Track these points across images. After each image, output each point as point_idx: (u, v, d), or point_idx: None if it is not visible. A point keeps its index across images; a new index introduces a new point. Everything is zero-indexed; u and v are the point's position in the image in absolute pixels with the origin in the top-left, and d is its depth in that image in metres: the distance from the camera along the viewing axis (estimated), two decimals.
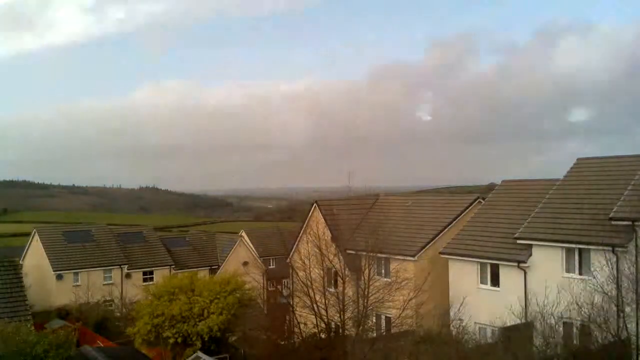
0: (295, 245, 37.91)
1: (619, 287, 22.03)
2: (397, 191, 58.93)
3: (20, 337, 22.72)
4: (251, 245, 64.03)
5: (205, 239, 65.03)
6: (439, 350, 21.78)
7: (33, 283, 46.34)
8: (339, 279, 28.39)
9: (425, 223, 34.50)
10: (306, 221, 37.42)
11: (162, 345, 31.95)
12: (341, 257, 28.60)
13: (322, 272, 27.98)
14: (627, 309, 21.99)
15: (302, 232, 36.93)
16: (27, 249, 55.97)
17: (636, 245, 22.55)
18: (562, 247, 25.91)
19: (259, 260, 62.01)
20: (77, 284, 50.85)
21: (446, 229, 32.98)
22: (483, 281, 29.12)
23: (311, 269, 27.69)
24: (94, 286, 48.78)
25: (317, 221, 34.80)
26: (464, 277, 29.66)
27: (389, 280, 29.59)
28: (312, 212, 37.57)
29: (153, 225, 76.69)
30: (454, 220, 33.51)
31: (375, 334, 29.52)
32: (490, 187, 48.67)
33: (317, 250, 28.00)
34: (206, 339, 31.37)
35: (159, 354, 32.35)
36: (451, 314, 27.46)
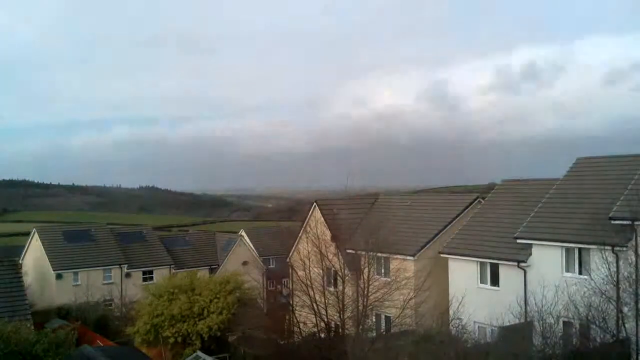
0: (295, 245, 37.90)
1: (618, 287, 22.05)
2: (397, 191, 58.95)
3: (20, 336, 22.73)
4: (251, 245, 63.99)
5: (204, 238, 65.00)
6: (438, 349, 21.77)
7: (33, 282, 46.46)
8: (338, 278, 28.40)
9: (425, 223, 34.51)
10: (306, 221, 37.40)
11: (162, 344, 31.97)
12: (341, 257, 28.61)
13: (321, 271, 28.00)
14: (626, 309, 22.00)
15: (301, 231, 36.92)
16: (27, 249, 55.93)
17: (635, 245, 22.55)
18: (561, 246, 25.93)
19: (258, 260, 61.98)
20: (77, 283, 50.81)
21: (446, 229, 33.00)
22: (483, 280, 29.14)
23: (311, 268, 27.71)
24: (93, 286, 48.74)
25: (317, 221, 34.78)
26: (463, 276, 29.68)
27: (389, 279, 29.59)
28: (312, 212, 37.57)
29: (153, 225, 76.92)
30: (454, 219, 33.53)
31: (375, 333, 29.51)
32: (490, 187, 48.59)
33: (317, 250, 28.00)
34: (206, 338, 31.40)
35: (159, 353, 32.36)
36: (450, 313, 27.45)
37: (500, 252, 28.47)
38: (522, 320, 24.59)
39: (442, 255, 31.08)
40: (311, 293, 27.06)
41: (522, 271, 26.98)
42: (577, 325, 23.55)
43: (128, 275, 54.21)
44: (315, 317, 27.38)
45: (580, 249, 25.33)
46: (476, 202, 34.74)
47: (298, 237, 37.44)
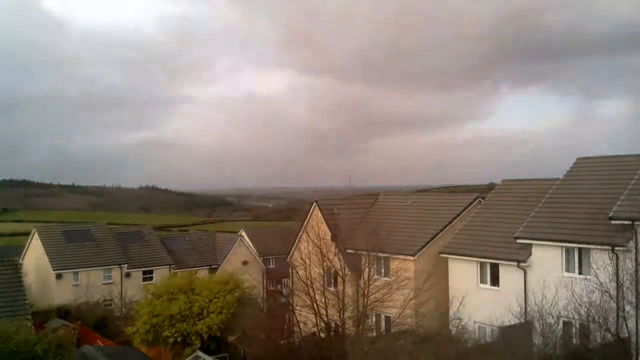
0: (295, 245, 37.92)
1: (618, 287, 22.04)
2: (397, 191, 58.99)
3: (20, 336, 22.66)
4: (251, 245, 63.98)
5: (204, 238, 65.03)
6: (438, 349, 21.79)
7: (33, 282, 46.47)
8: (339, 278, 28.39)
9: (425, 222, 34.50)
10: (306, 221, 37.42)
11: (162, 344, 31.97)
12: (341, 257, 28.62)
13: (322, 271, 28.00)
14: (627, 308, 21.99)
15: (302, 231, 36.93)
16: (27, 249, 55.94)
17: (636, 245, 22.57)
18: (561, 246, 25.93)
19: (258, 260, 62.00)
20: (77, 283, 50.83)
21: (446, 229, 32.98)
22: (483, 280, 29.14)
23: (311, 268, 27.70)
24: (93, 286, 48.79)
25: (317, 221, 34.80)
26: (463, 276, 29.68)
27: (389, 279, 29.60)
28: (312, 212, 37.57)
29: (153, 225, 76.76)
30: (454, 219, 33.51)
31: (375, 333, 29.51)
32: (490, 187, 48.72)
33: (317, 250, 28.00)
34: (205, 338, 31.40)
35: (159, 353, 32.37)
36: (451, 313, 27.48)
37: (500, 252, 28.47)
38: (522, 320, 24.59)
39: (442, 255, 31.08)
40: (311, 293, 27.05)
41: (522, 271, 26.97)
42: (578, 325, 23.56)
43: (128, 275, 54.25)
44: (316, 317, 27.37)
45: (580, 249, 25.32)
46: (476, 202, 34.72)
47: (298, 237, 37.45)
